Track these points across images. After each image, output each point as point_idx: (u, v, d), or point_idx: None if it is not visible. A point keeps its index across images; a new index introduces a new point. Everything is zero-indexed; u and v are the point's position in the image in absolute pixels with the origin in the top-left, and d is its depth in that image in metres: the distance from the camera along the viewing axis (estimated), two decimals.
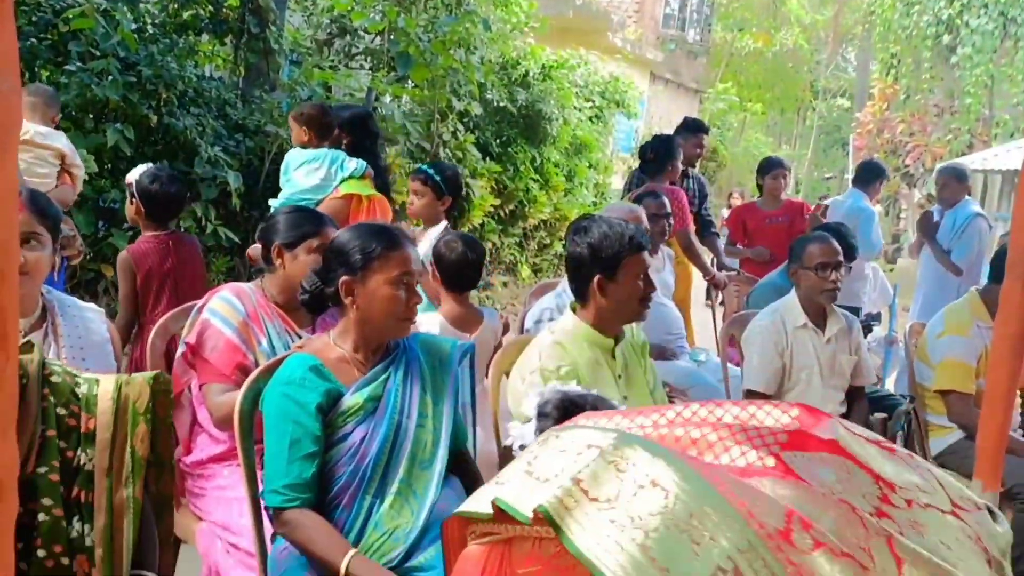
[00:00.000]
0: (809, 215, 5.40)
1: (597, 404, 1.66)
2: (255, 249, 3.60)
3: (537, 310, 3.24)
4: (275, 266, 2.34)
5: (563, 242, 9.13)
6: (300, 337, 2.28)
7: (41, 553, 1.39)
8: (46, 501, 1.41)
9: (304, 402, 1.79)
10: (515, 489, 1.21)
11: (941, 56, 13.56)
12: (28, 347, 1.49)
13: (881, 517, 1.14)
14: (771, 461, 1.18)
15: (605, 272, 2.28)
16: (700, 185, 5.65)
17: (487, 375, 2.59)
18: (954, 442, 3.37)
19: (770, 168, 5.64)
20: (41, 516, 1.40)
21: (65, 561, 1.42)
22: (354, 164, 3.88)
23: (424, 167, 3.86)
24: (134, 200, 3.28)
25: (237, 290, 2.35)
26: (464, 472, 2.03)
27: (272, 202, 3.95)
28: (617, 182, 12.24)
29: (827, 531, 1.09)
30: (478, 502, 1.27)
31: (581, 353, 2.30)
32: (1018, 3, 12.30)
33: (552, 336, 2.33)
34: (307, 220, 2.38)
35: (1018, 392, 3.33)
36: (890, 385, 4.83)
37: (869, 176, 5.93)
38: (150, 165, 3.43)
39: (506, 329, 3.21)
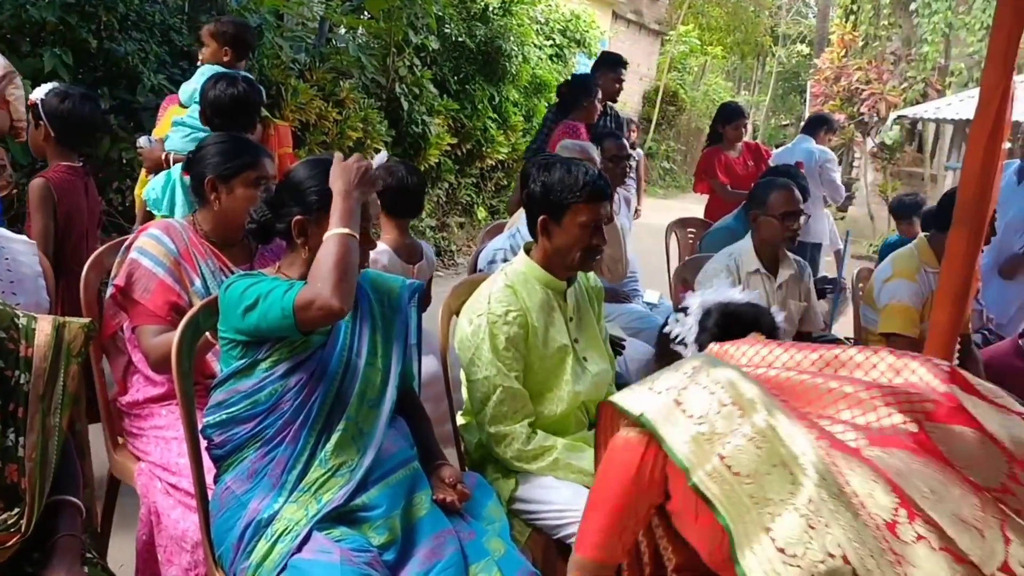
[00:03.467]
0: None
1: (758, 316, 1.76)
2: (145, 141, 3.38)
3: (490, 250, 3.20)
4: (208, 201, 2.22)
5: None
6: None
7: None
8: None
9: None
10: (658, 410, 1.39)
11: (900, 3, 13.57)
12: None
13: (1005, 493, 1.26)
14: (914, 427, 1.31)
15: (551, 214, 2.24)
16: (618, 122, 5.61)
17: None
18: None
19: (732, 117, 5.62)
20: None
21: None
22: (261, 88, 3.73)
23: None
24: (40, 123, 2.90)
25: (167, 227, 2.22)
26: (411, 412, 2.01)
27: (179, 118, 3.54)
28: None
29: (944, 513, 1.20)
30: (631, 401, 1.45)
31: (532, 295, 2.27)
32: None
33: (504, 279, 2.29)
34: (243, 151, 2.24)
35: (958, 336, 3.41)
36: (836, 330, 4.91)
37: (816, 124, 6.11)
38: (56, 84, 3.04)
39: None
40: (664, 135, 18.93)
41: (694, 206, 10.88)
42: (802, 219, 3.29)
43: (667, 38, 19.35)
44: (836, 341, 3.79)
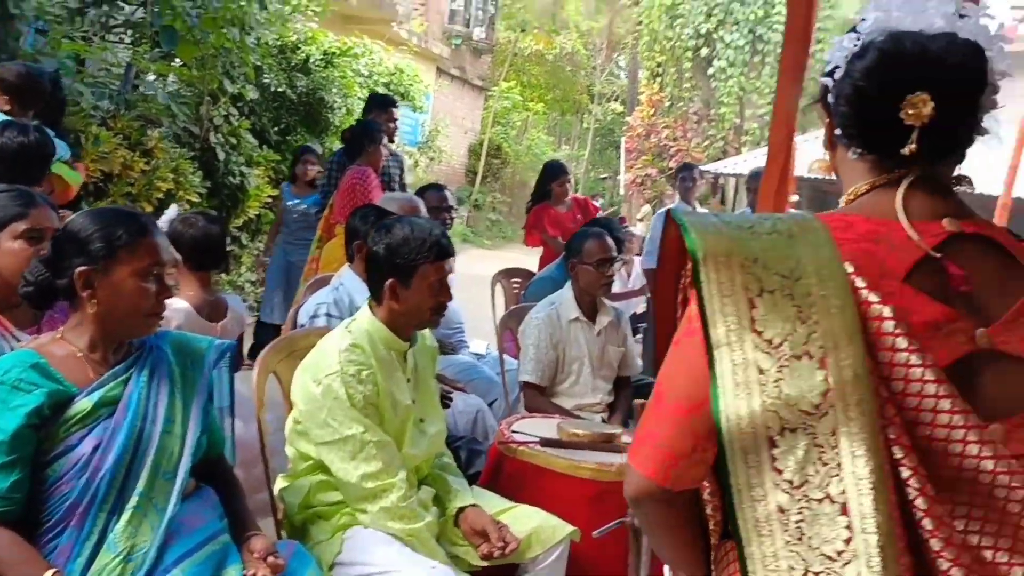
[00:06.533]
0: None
1: (937, 59, 0.98)
2: None
3: (312, 305, 3.10)
4: None
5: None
6: (19, 340, 1.98)
7: None
8: None
9: (13, 405, 1.57)
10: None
11: (700, 68, 14.75)
12: None
13: None
14: None
15: (399, 277, 2.21)
16: (400, 162, 5.71)
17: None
18: None
19: (557, 175, 5.83)
20: None
21: None
22: (59, 145, 3.48)
23: None
24: None
25: None
26: (221, 481, 1.88)
27: None
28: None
29: None
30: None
31: (376, 353, 2.22)
32: (765, 23, 13.65)
33: (350, 336, 2.22)
34: (12, 201, 2.04)
35: None
36: None
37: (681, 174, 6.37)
38: None
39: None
40: (490, 187, 19.37)
41: (521, 256, 11.14)
42: (616, 265, 3.44)
43: (490, 94, 19.92)
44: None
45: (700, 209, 6.18)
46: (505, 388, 3.61)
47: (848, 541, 0.90)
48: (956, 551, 0.92)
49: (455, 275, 4.73)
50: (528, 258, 6.09)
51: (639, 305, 6.27)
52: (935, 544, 0.92)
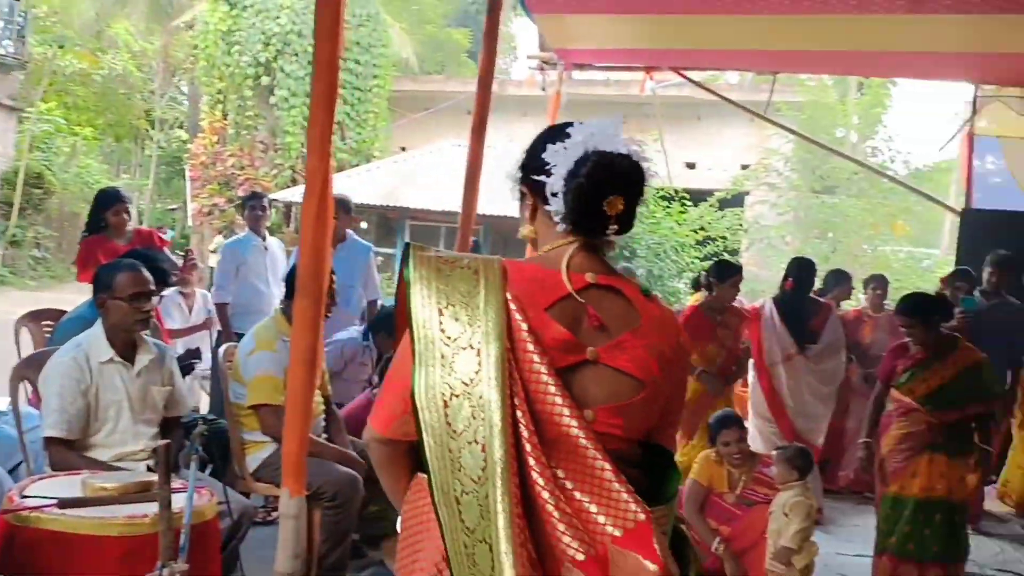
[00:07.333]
0: None
1: (630, 172, 1.53)
2: None
3: None
4: None
5: None
6: None
7: None
8: None
9: None
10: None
11: (263, 96, 14.59)
12: None
13: None
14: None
15: None
16: None
17: None
18: (269, 455, 3.55)
19: (111, 203, 5.14)
20: None
21: None
22: None
23: None
24: None
25: None
26: None
27: None
28: None
29: None
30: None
31: None
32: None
33: None
34: None
35: (320, 395, 3.68)
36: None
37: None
38: None
39: None
40: (32, 220, 17.00)
41: (68, 296, 9.85)
42: (154, 300, 3.18)
43: (26, 116, 17.49)
44: (214, 419, 3.75)
45: (271, 238, 6.06)
46: (24, 449, 3.11)
47: (484, 470, 1.35)
48: (546, 482, 1.38)
49: None
50: (85, 298, 5.32)
51: (203, 340, 5.93)
52: (534, 475, 1.38)
